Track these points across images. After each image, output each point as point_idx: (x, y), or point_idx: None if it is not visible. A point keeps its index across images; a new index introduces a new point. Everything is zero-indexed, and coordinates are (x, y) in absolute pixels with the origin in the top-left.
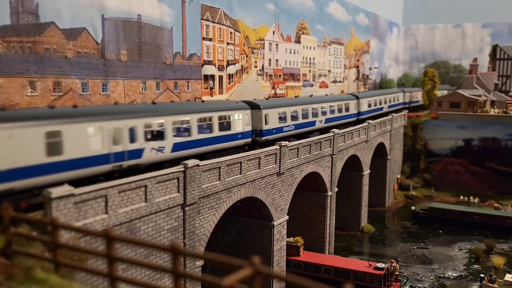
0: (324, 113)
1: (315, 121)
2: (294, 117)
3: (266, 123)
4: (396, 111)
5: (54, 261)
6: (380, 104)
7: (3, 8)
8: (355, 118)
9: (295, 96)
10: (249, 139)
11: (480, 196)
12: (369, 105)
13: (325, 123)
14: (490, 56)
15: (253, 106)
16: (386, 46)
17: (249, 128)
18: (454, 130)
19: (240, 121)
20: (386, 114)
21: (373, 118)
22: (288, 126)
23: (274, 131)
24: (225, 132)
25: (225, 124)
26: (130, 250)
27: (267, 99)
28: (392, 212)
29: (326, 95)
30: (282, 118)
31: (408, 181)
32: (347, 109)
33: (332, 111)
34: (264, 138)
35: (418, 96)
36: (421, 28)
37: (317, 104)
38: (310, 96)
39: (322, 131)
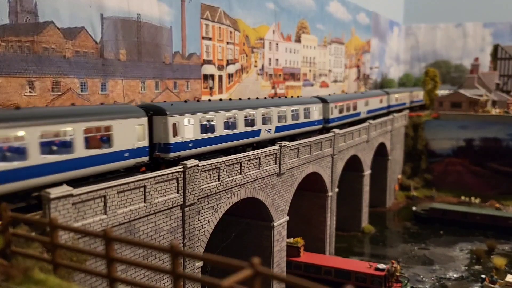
0: (269, 120)
1: (260, 130)
2: (226, 125)
3: (177, 134)
4: (379, 116)
5: (52, 262)
6: (356, 109)
7: (1, 7)
8: (320, 126)
9: (229, 99)
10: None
11: (481, 197)
12: (341, 111)
13: (275, 132)
14: (492, 55)
15: (157, 111)
16: (387, 46)
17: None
18: (455, 130)
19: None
20: (364, 120)
21: (349, 125)
22: (210, 138)
23: (190, 144)
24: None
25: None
26: (129, 251)
27: (185, 101)
28: (393, 212)
29: (286, 97)
30: (206, 127)
31: (409, 182)
32: (308, 115)
33: (281, 118)
34: (172, 154)
35: (404, 98)
36: (422, 28)
37: (261, 108)
38: (256, 98)
39: (271, 142)
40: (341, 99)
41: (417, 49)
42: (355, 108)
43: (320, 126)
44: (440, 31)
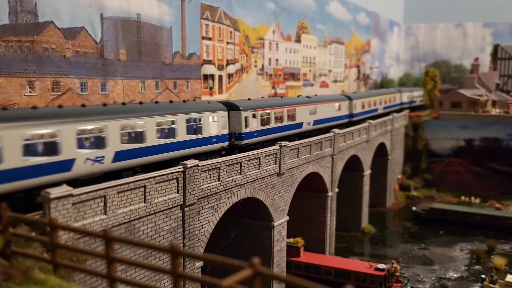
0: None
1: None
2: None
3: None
4: (332, 128)
5: (52, 262)
6: (293, 119)
7: (1, 7)
8: (222, 144)
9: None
10: None
11: (481, 197)
12: (265, 121)
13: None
14: (492, 55)
15: (233, 107)
16: (387, 46)
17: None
18: (455, 130)
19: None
20: (310, 134)
21: (284, 139)
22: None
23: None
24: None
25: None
26: (129, 251)
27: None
28: (393, 212)
29: (171, 101)
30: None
31: (409, 182)
32: (198, 130)
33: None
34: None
35: (379, 102)
36: (422, 28)
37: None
38: (140, 103)
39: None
40: (261, 106)
41: (417, 49)
42: (292, 117)
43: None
44: (440, 31)
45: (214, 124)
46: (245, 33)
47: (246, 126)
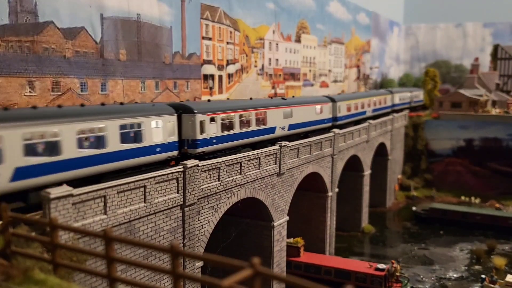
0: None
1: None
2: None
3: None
4: (312, 132)
5: (53, 262)
6: (264, 123)
7: (1, 7)
8: (170, 154)
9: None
10: None
11: (481, 197)
12: (227, 126)
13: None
14: (492, 55)
15: (186, 110)
16: (387, 46)
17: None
18: (455, 130)
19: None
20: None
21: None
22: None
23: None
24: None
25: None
26: (129, 251)
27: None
28: (393, 212)
29: (103, 104)
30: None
31: (409, 182)
32: (138, 138)
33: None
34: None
35: (362, 104)
36: (422, 28)
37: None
38: (59, 106)
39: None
40: (223, 109)
41: (417, 49)
42: (262, 121)
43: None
44: (440, 31)
45: (159, 130)
46: (245, 33)
47: (202, 132)
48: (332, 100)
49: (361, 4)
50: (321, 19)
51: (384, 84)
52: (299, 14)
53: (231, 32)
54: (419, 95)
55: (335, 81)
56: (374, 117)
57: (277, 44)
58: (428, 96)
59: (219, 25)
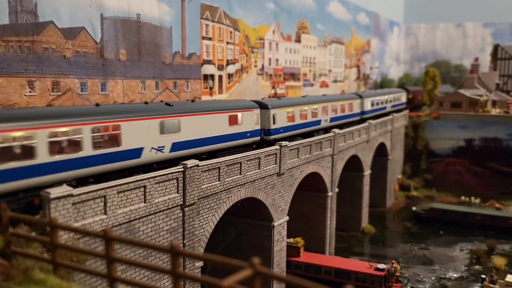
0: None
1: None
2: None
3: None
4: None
5: (52, 262)
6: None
7: (1, 7)
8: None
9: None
10: None
11: (481, 197)
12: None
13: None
14: (492, 55)
15: (262, 105)
16: (387, 46)
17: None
18: (455, 130)
19: None
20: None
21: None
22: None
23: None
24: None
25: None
26: (129, 251)
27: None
28: (393, 212)
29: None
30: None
31: (409, 182)
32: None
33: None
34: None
35: (313, 112)
36: (422, 28)
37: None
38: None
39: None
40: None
41: (417, 49)
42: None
43: None
44: (440, 31)
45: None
46: (245, 33)
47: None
48: (262, 105)
49: (361, 4)
50: (321, 19)
51: (384, 84)
52: (299, 14)
53: (231, 32)
54: (400, 97)
55: (335, 81)
56: (333, 127)
57: (277, 44)
58: (428, 96)
59: (219, 25)
